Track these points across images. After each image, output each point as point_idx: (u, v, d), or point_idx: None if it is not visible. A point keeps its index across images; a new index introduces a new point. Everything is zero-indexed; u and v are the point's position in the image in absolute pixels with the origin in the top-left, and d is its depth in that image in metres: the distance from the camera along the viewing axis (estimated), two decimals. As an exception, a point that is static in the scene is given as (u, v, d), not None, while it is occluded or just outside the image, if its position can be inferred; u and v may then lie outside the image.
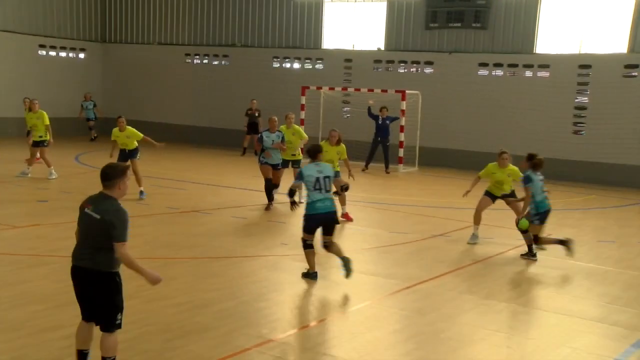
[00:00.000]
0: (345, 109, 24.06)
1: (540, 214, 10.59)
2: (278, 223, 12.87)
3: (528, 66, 21.62)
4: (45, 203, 13.33)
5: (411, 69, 23.52)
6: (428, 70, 23.27)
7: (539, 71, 21.51)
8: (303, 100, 22.65)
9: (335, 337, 7.09)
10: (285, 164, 14.15)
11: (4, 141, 23.04)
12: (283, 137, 13.90)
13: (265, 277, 9.17)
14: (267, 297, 8.28)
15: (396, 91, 21.47)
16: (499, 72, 22.10)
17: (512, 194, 11.71)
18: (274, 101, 24.59)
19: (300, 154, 14.45)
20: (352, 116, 23.74)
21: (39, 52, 26.68)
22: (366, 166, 20.62)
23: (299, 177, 9.03)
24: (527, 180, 10.49)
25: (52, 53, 27.22)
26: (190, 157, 22.53)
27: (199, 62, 27.31)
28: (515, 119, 21.62)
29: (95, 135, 25.51)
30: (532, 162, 10.63)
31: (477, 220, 11.86)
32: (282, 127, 14.42)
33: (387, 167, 20.69)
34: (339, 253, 9.00)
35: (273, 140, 13.75)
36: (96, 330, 5.66)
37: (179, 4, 27.58)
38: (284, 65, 25.69)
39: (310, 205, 8.88)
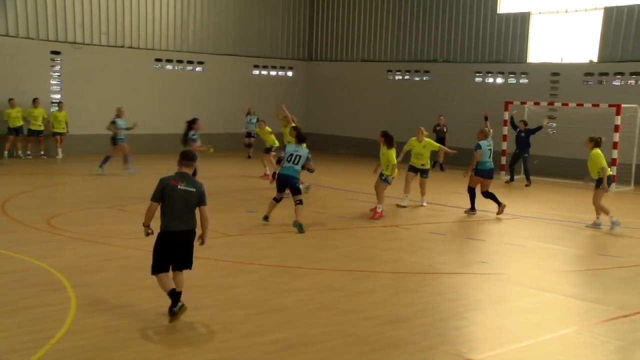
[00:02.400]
0: (551, 124, 22.91)
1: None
2: (477, 240, 12.53)
3: None
4: (253, 214, 14.09)
5: (629, 81, 21.85)
6: (649, 81, 21.46)
7: None
8: (506, 115, 21.93)
9: (538, 363, 6.71)
10: (415, 170, 15.69)
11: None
12: None
13: (464, 295, 8.95)
14: (465, 316, 8.06)
15: (610, 105, 20.06)
16: None
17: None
18: (476, 116, 24.04)
19: (429, 164, 15.79)
20: (558, 132, 22.55)
21: (253, 72, 28.59)
22: (511, 179, 20.57)
23: (284, 150, 12.96)
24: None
25: (264, 72, 29.03)
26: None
27: (400, 77, 27.54)
28: None
29: (250, 155, 24.59)
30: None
31: None
32: (413, 139, 15.65)
33: (527, 179, 20.09)
34: (298, 216, 12.29)
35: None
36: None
37: (381, 21, 28.07)
38: (486, 80, 25.10)
39: (280, 170, 12.76)
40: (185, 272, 7.61)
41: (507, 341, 7.26)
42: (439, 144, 16.20)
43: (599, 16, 22.41)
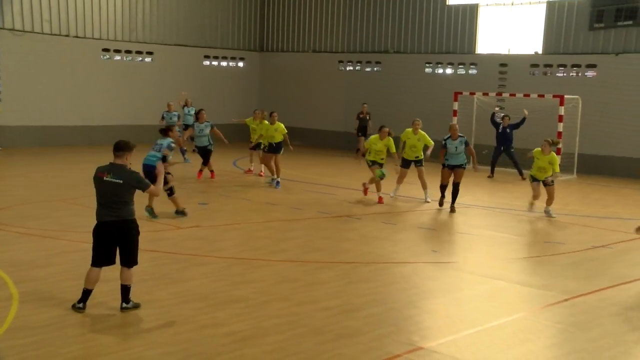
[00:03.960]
0: (497, 117, 23.33)
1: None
2: (429, 230, 12.75)
3: None
4: (205, 206, 14.04)
5: (571, 73, 22.44)
6: (590, 73, 22.08)
7: None
8: (455, 106, 22.28)
9: (488, 348, 6.89)
10: (407, 164, 15.57)
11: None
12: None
13: (416, 284, 9.11)
14: (417, 305, 8.22)
15: (554, 96, 20.57)
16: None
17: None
18: (426, 107, 24.40)
19: (422, 155, 15.52)
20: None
21: (204, 62, 28.35)
22: (492, 173, 20.45)
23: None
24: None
25: (215, 63, 28.81)
26: (340, 163, 22.82)
27: (352, 68, 27.69)
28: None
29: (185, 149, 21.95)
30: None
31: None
32: (408, 130, 15.56)
33: (521, 173, 19.92)
34: (175, 204, 12.61)
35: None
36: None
37: (332, 13, 28.14)
38: (436, 70, 25.43)
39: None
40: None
41: (457, 328, 7.44)
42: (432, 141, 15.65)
43: (543, 9, 22.93)
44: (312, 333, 7.02)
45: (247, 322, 7.24)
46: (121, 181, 7.27)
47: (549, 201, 14.15)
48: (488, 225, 13.44)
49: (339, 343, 6.78)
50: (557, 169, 14.11)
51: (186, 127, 23.97)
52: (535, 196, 14.25)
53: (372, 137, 15.54)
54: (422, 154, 15.52)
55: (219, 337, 6.81)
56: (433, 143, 15.72)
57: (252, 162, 18.74)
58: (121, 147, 7.42)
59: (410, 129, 15.56)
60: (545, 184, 14.08)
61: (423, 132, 15.54)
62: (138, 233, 7.49)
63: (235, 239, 11.32)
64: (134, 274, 7.48)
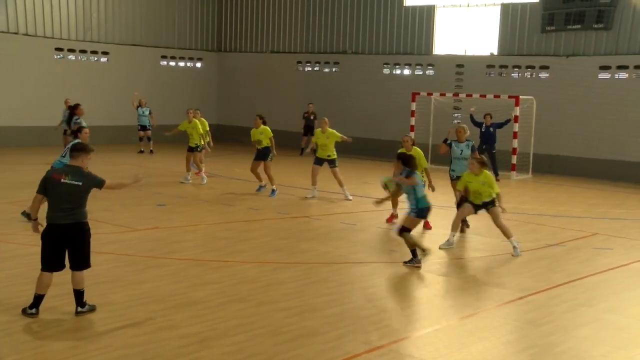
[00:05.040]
0: (456, 114, 23.66)
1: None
2: (387, 230, 12.83)
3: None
4: (163, 207, 13.90)
5: (525, 74, 22.85)
6: (543, 74, 22.52)
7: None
8: (414, 106, 22.48)
9: (445, 346, 6.97)
10: (320, 162, 15.54)
11: (120, 147, 24.26)
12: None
13: (374, 283, 9.16)
14: (376, 304, 8.26)
15: (509, 97, 20.91)
16: (622, 75, 21.03)
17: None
18: (385, 107, 24.59)
19: (334, 154, 15.58)
20: (463, 122, 23.25)
21: (161, 62, 28.06)
22: None
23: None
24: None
25: (172, 63, 28.54)
26: (299, 163, 22.80)
27: (310, 69, 27.72)
28: (640, 124, 20.49)
29: (142, 150, 23.25)
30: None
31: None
32: (317, 130, 15.88)
33: (496, 174, 19.98)
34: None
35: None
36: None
37: (290, 13, 28.14)
38: (394, 71, 25.62)
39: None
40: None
41: (415, 327, 7.51)
42: (340, 135, 15.67)
43: (497, 11, 23.31)
44: (270, 334, 7.00)
45: (205, 324, 7.19)
46: (80, 183, 7.16)
47: (506, 234, 11.04)
48: (446, 224, 13.56)
49: (297, 343, 6.77)
50: (497, 189, 11.02)
51: (142, 128, 23.82)
52: (461, 215, 11.52)
53: (316, 130, 16.03)
54: (334, 152, 15.58)
55: (177, 339, 6.74)
56: (348, 138, 15.68)
57: (202, 162, 18.01)
58: (79, 149, 7.39)
59: (318, 129, 15.79)
60: (489, 211, 11.14)
61: (332, 130, 15.63)
62: (90, 236, 7.38)
63: (194, 240, 11.24)
64: (85, 277, 7.34)
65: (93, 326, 7.04)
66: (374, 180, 15.72)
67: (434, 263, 10.31)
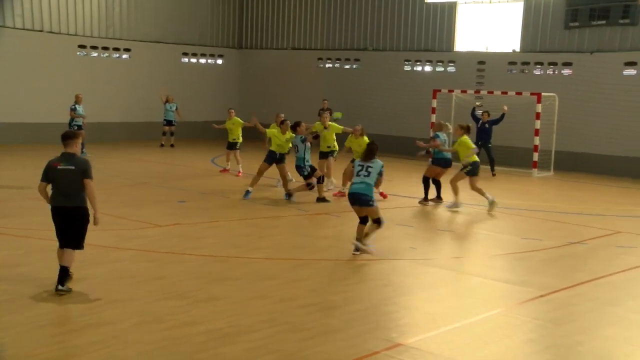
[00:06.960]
0: (478, 112, 23.50)
1: None
2: (407, 227, 12.80)
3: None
4: (184, 204, 13.98)
5: (548, 71, 22.67)
6: (566, 71, 22.31)
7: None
8: (434, 103, 22.39)
9: (466, 344, 6.94)
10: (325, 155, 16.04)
11: (141, 143, 24.41)
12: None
13: (394, 280, 9.15)
14: (396, 301, 8.25)
15: (531, 94, 20.75)
16: (649, 71, 20.76)
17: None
18: (406, 104, 24.52)
19: (335, 146, 15.98)
20: (467, 116, 23.13)
21: (182, 59, 28.18)
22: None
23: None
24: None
25: (193, 60, 28.66)
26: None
27: (331, 66, 27.70)
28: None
29: (163, 144, 24.19)
30: None
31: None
32: (317, 123, 16.21)
33: (492, 169, 20.17)
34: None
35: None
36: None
37: (312, 10, 28.13)
38: (415, 68, 25.52)
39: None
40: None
41: (435, 325, 7.48)
42: (342, 127, 16.00)
43: (520, 8, 23.13)
44: (291, 330, 7.02)
45: (226, 320, 7.22)
46: (73, 167, 7.75)
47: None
48: (465, 222, 13.52)
49: (318, 340, 6.78)
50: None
51: (168, 122, 24.12)
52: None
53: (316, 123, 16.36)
54: (335, 144, 15.90)
55: (198, 335, 6.78)
56: (344, 128, 15.88)
57: (228, 161, 18.88)
58: (68, 136, 7.95)
59: (318, 122, 16.33)
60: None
61: (332, 123, 16.06)
62: (88, 221, 7.88)
63: (214, 236, 11.28)
64: (74, 259, 7.86)
65: (115, 321, 7.09)
66: (396, 177, 15.67)
67: (455, 261, 10.27)
